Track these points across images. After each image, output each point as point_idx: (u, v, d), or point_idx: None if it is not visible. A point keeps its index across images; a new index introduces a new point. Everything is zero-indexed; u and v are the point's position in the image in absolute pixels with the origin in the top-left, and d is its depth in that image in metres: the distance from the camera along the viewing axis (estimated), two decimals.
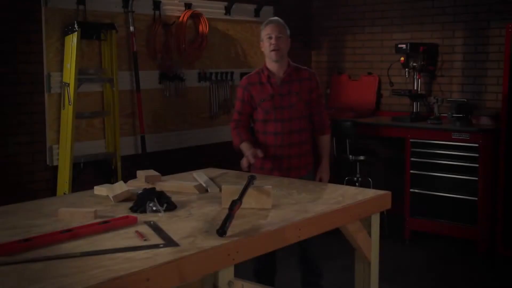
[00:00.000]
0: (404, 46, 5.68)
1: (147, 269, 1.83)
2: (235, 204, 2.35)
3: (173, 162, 5.18)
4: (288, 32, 3.71)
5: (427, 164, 5.45)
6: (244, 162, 3.66)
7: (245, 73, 6.08)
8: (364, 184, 5.73)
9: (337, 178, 6.28)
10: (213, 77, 5.64)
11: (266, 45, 3.66)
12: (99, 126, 4.76)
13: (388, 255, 4.52)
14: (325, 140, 3.87)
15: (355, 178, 5.86)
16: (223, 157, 5.77)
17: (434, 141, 5.39)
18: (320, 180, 3.83)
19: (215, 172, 3.58)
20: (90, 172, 4.71)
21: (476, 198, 5.18)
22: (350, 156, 5.76)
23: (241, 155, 3.76)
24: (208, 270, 2.08)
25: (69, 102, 4.35)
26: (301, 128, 3.73)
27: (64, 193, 4.20)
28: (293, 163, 3.72)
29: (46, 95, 4.41)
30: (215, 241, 2.11)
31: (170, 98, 5.27)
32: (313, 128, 3.84)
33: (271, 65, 3.70)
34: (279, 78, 3.70)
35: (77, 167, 4.51)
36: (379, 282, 2.99)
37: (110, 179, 4.68)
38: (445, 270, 4.84)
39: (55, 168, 4.47)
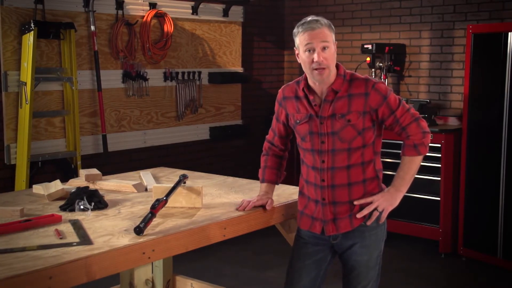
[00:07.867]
0: (370, 46, 5.69)
1: (50, 267, 1.84)
2: (158, 203, 2.36)
3: (136, 162, 5.19)
4: (334, 34, 2.60)
5: (390, 164, 5.44)
6: (239, 207, 2.67)
7: (213, 73, 6.13)
8: None
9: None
10: (180, 77, 5.65)
11: (306, 60, 2.54)
12: (59, 125, 4.76)
13: None
14: (407, 162, 2.78)
15: None
16: (188, 157, 5.79)
17: (397, 141, 5.38)
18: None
19: (164, 171, 3.59)
20: (51, 171, 4.72)
21: (439, 198, 5.20)
22: None
23: None
24: (120, 269, 2.09)
25: (26, 101, 4.35)
26: (350, 164, 2.63)
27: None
28: (340, 210, 2.64)
29: (3, 93, 4.40)
30: (130, 240, 2.13)
31: (134, 98, 5.27)
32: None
33: (311, 79, 2.62)
34: (320, 95, 2.63)
35: (35, 166, 4.53)
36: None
37: (70, 178, 4.66)
38: (407, 270, 4.85)
39: (13, 166, 4.47)
